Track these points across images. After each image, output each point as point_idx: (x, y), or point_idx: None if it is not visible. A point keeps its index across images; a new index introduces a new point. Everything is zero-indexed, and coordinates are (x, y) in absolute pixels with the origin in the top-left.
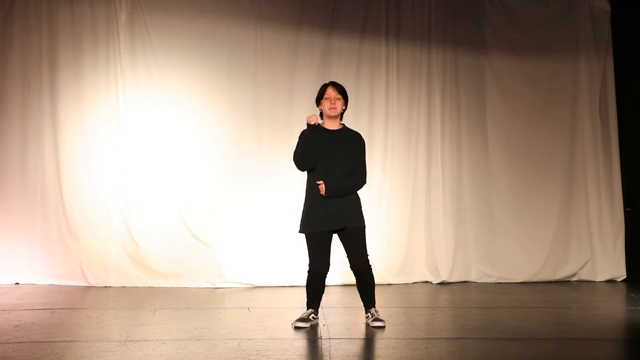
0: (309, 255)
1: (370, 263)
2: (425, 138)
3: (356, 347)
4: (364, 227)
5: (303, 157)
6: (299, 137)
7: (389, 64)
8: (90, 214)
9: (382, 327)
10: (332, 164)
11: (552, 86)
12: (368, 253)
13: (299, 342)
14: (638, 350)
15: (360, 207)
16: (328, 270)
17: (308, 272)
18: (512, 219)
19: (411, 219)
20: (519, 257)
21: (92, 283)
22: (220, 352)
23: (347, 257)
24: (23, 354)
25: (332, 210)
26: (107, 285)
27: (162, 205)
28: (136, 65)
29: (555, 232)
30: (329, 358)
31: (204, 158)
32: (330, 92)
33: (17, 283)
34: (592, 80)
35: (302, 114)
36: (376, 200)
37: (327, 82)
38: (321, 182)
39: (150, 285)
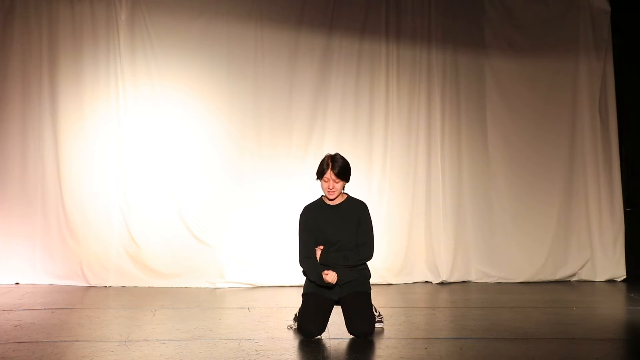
0: (300, 314)
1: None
2: (425, 138)
3: (356, 347)
4: (368, 293)
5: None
6: (299, 228)
7: (389, 64)
8: (90, 214)
9: (381, 328)
10: (331, 240)
11: (552, 86)
12: (375, 315)
13: (299, 342)
14: (638, 350)
15: (367, 277)
16: (319, 334)
17: (298, 329)
18: (512, 219)
19: (411, 219)
20: (519, 257)
21: (92, 283)
22: (220, 352)
23: (345, 320)
24: (23, 354)
25: (334, 287)
26: (107, 285)
27: (162, 205)
28: (136, 65)
29: (555, 232)
30: (329, 358)
31: (204, 158)
32: (329, 176)
33: (17, 283)
34: (592, 80)
35: (302, 113)
36: (376, 200)
37: (329, 157)
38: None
39: (150, 285)
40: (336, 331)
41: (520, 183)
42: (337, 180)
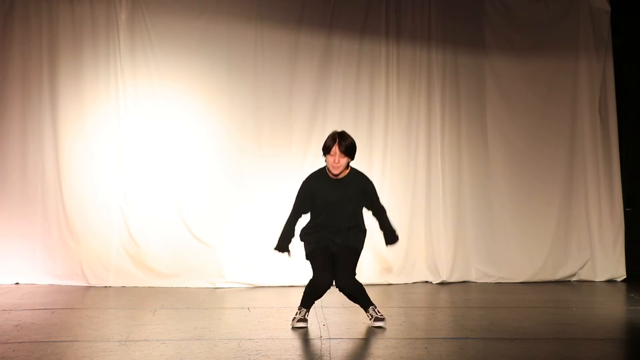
0: (313, 269)
1: (357, 273)
2: (425, 138)
3: (356, 347)
4: (357, 249)
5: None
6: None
7: (389, 64)
8: (90, 214)
9: (383, 327)
10: (334, 212)
11: (552, 86)
12: (356, 273)
13: (299, 342)
14: (638, 350)
15: (363, 237)
16: (331, 284)
17: (312, 282)
18: (512, 219)
19: (411, 219)
20: (519, 257)
21: (92, 283)
22: (220, 352)
23: (335, 273)
24: (23, 354)
25: (333, 241)
26: (107, 285)
27: (162, 205)
28: (136, 65)
29: (555, 232)
30: (329, 358)
31: (204, 158)
32: (336, 150)
33: (17, 283)
34: (592, 80)
35: (302, 113)
36: None
37: (337, 133)
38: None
39: (150, 285)
40: (336, 331)
41: (520, 183)
42: (343, 156)
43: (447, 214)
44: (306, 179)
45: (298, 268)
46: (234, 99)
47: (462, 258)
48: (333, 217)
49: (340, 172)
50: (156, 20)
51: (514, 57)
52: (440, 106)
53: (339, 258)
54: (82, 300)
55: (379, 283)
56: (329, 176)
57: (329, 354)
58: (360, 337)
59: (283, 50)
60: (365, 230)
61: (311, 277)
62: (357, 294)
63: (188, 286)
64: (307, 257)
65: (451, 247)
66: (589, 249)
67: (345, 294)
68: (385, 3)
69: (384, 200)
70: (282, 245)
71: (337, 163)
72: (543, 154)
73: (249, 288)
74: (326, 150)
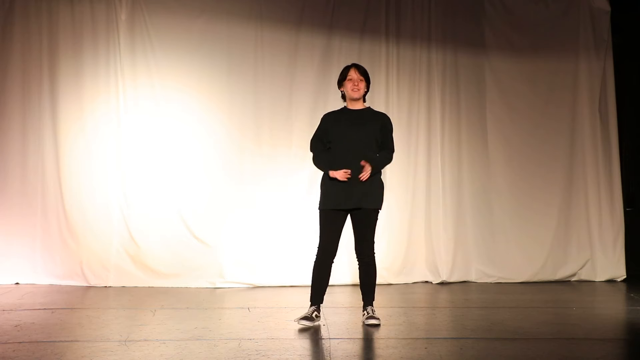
0: (320, 233)
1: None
2: (425, 138)
3: (356, 347)
4: (378, 210)
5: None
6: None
7: (389, 64)
8: (90, 214)
9: (377, 326)
10: (350, 142)
11: (552, 86)
12: (375, 241)
13: (299, 342)
14: (638, 350)
15: (382, 189)
16: (335, 252)
17: (317, 253)
18: (512, 219)
19: (411, 219)
20: (519, 257)
21: (92, 283)
22: (220, 352)
23: (354, 239)
24: (23, 354)
25: (351, 190)
26: (107, 285)
27: (162, 205)
28: (136, 65)
29: (555, 232)
30: (329, 358)
31: (204, 158)
32: (353, 74)
33: (17, 283)
34: (592, 80)
35: (302, 113)
36: None
37: (349, 64)
38: (365, 164)
39: (150, 285)
40: (336, 331)
41: (520, 183)
42: (361, 78)
43: (447, 214)
44: (324, 115)
45: (298, 268)
46: (234, 99)
47: (462, 258)
48: (351, 152)
49: (359, 99)
50: (156, 20)
51: (513, 57)
52: (440, 106)
53: (359, 223)
54: (82, 300)
55: (379, 283)
56: (348, 110)
57: (329, 354)
58: (360, 337)
59: (283, 50)
60: (383, 185)
61: (320, 246)
62: (372, 273)
63: (188, 286)
64: (319, 213)
65: (451, 247)
66: (589, 249)
67: (362, 263)
68: (385, 3)
69: (384, 200)
70: (329, 168)
71: (356, 85)
72: (543, 154)
73: (249, 288)
74: (342, 78)
